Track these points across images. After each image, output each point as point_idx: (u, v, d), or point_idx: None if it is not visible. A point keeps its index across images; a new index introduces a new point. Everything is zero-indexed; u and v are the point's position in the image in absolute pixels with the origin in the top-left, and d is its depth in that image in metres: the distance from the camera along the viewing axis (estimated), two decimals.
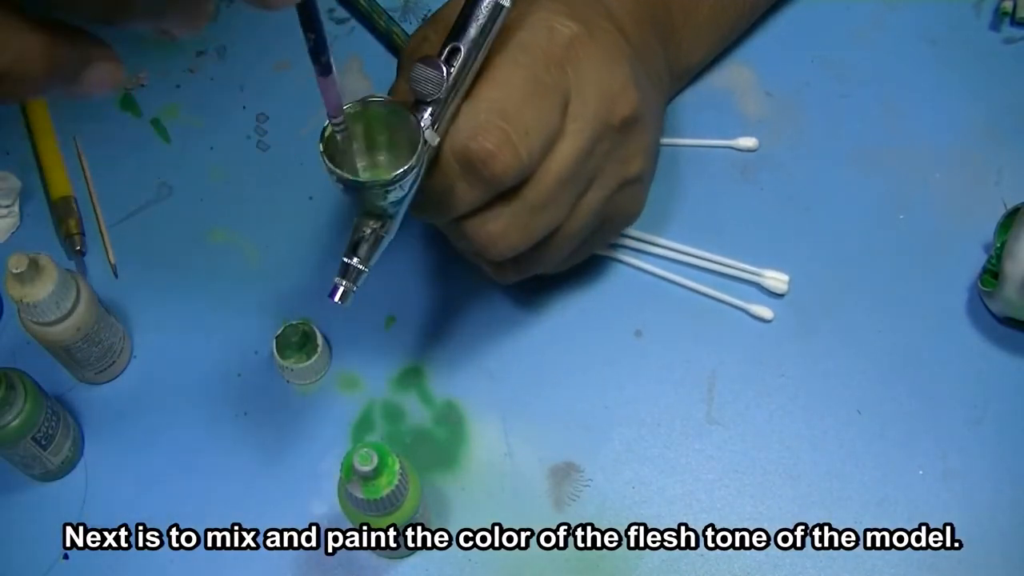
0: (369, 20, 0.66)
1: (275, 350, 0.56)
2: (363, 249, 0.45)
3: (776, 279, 0.58)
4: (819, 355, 0.57)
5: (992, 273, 0.56)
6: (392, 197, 0.44)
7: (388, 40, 0.66)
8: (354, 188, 0.44)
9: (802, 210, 0.61)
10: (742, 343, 0.58)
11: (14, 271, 0.49)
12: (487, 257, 0.49)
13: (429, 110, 0.45)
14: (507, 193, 0.47)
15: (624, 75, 0.49)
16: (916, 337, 0.57)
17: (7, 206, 0.61)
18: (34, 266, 0.50)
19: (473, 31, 0.45)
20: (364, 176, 0.45)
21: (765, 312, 0.58)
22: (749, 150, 0.62)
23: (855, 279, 0.59)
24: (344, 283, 0.45)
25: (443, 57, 0.45)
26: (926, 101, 0.63)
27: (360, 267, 0.46)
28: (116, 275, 0.61)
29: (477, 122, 0.45)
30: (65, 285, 0.51)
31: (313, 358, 0.56)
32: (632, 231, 0.60)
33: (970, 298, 0.58)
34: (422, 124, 0.44)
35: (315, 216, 0.62)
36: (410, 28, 0.66)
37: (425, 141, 0.44)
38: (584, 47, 0.48)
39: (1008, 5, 0.64)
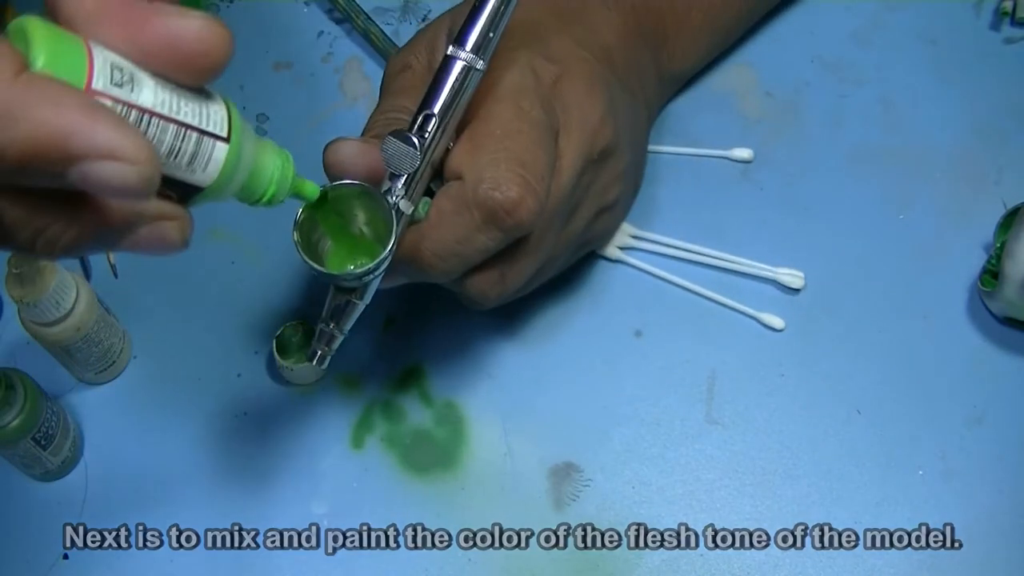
0: (348, 20, 0.66)
1: (275, 350, 0.56)
2: (342, 319, 0.47)
3: (792, 275, 0.58)
4: (819, 355, 0.57)
5: (992, 273, 0.56)
6: (371, 278, 0.45)
7: (367, 39, 0.66)
8: (335, 279, 0.45)
9: (802, 210, 0.61)
10: (742, 343, 0.58)
11: (14, 271, 0.49)
12: (480, 307, 0.51)
13: (403, 179, 0.45)
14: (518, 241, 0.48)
15: (602, 107, 0.50)
16: (916, 337, 0.57)
17: None
18: (34, 266, 0.50)
19: (446, 96, 0.45)
20: (339, 267, 0.46)
21: (776, 321, 0.58)
22: (744, 160, 0.62)
23: (855, 279, 0.59)
24: (322, 347, 0.48)
25: (416, 127, 0.45)
26: (926, 101, 0.63)
27: (336, 333, 0.47)
28: (116, 275, 0.61)
29: (497, 174, 0.45)
30: (65, 285, 0.51)
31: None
32: (639, 231, 0.60)
33: (970, 298, 0.58)
34: (396, 193, 0.45)
35: None
36: (409, 31, 0.66)
37: (397, 223, 0.44)
38: (565, 85, 0.49)
39: (1008, 5, 0.64)
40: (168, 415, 0.57)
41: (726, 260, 0.59)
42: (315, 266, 0.44)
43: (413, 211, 0.46)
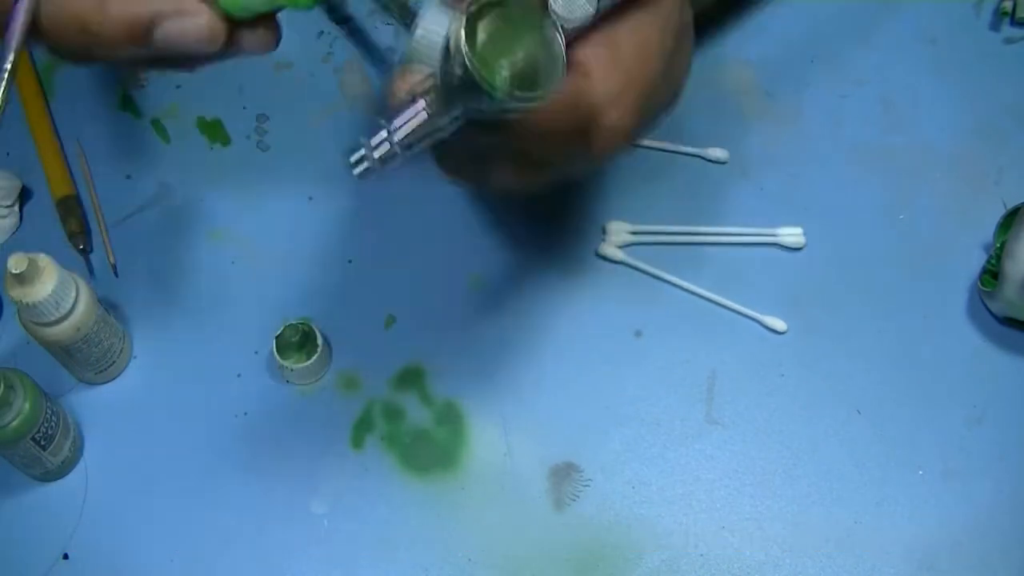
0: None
1: (275, 350, 0.56)
2: (405, 127, 0.39)
3: (792, 234, 0.59)
4: (819, 355, 0.57)
5: (992, 273, 0.56)
6: (505, 106, 0.38)
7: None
8: (483, 94, 0.37)
9: (802, 210, 0.61)
10: (742, 343, 0.58)
11: (14, 271, 0.49)
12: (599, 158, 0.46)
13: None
14: None
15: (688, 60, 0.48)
16: (916, 337, 0.57)
17: (7, 206, 0.62)
18: (34, 266, 0.50)
19: None
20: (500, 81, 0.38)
21: (778, 324, 0.57)
22: (720, 161, 0.62)
23: (855, 279, 0.59)
24: (371, 157, 0.39)
25: None
26: (926, 101, 0.63)
27: (390, 142, 0.39)
28: (116, 275, 0.61)
29: (626, 106, 0.43)
30: (65, 285, 0.51)
31: (313, 358, 0.56)
32: (638, 227, 0.60)
33: (970, 298, 0.58)
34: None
35: (315, 216, 0.62)
36: None
37: (564, 60, 0.38)
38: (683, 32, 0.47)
39: (1008, 5, 0.64)
40: (168, 415, 0.57)
41: (741, 229, 0.59)
42: (492, 76, 0.37)
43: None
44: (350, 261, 0.60)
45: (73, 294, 0.52)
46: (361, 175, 0.40)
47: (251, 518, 0.54)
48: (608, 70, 0.43)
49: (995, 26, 0.65)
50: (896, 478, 0.55)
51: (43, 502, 0.55)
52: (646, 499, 0.55)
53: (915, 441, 0.55)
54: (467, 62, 0.37)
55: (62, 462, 0.55)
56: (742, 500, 0.54)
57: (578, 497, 0.55)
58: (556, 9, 0.40)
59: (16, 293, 0.50)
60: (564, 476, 0.55)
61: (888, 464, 0.55)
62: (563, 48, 0.39)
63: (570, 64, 0.40)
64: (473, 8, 0.37)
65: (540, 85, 0.38)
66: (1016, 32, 0.65)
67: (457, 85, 0.38)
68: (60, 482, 0.56)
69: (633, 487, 0.55)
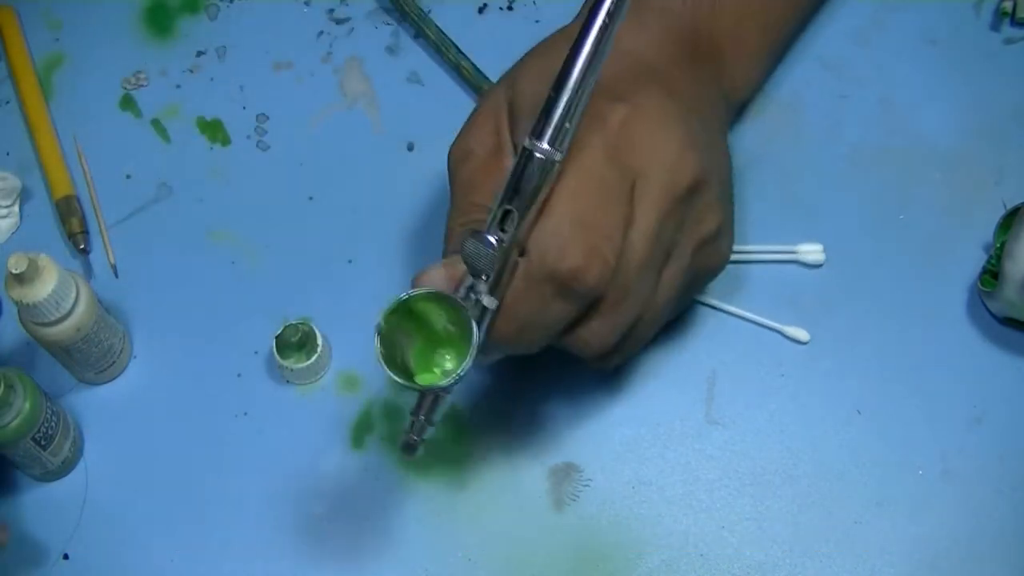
0: (438, 52, 0.64)
1: (275, 350, 0.56)
2: (430, 411, 0.47)
3: (813, 251, 0.59)
4: (819, 355, 0.57)
5: (992, 273, 0.56)
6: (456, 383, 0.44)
7: (458, 73, 0.64)
8: (423, 392, 0.46)
9: (801, 210, 0.61)
10: (742, 343, 0.58)
11: (14, 271, 0.49)
12: (586, 359, 0.49)
13: (484, 277, 0.44)
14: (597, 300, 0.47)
15: (679, 140, 0.47)
16: (916, 337, 0.57)
17: (7, 206, 0.62)
18: (34, 266, 0.50)
19: (527, 190, 0.44)
20: (424, 367, 0.45)
21: (801, 334, 0.57)
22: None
23: (855, 279, 0.59)
24: (411, 439, 0.47)
25: (496, 222, 0.44)
26: (926, 101, 0.63)
27: (427, 425, 0.47)
28: (116, 275, 0.61)
29: (561, 241, 0.44)
30: (65, 285, 0.51)
31: (313, 358, 0.56)
32: None
33: (970, 298, 0.58)
34: (478, 291, 0.44)
35: (315, 216, 0.62)
36: (408, 31, 0.66)
37: (479, 324, 0.44)
38: (635, 125, 0.47)
39: (1008, 5, 0.64)
40: (168, 415, 0.57)
41: (760, 246, 0.59)
42: (404, 381, 0.43)
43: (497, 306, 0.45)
44: (350, 261, 0.60)
45: (73, 294, 0.52)
46: (413, 453, 0.47)
47: (251, 518, 0.54)
48: (536, 231, 0.45)
49: (995, 26, 0.65)
50: (896, 478, 0.54)
51: (43, 502, 0.55)
52: (646, 499, 0.55)
53: (915, 441, 0.55)
54: (384, 370, 0.43)
55: (62, 462, 0.55)
56: (742, 500, 0.54)
57: (578, 497, 0.55)
58: (467, 261, 0.44)
59: (16, 293, 0.50)
60: (564, 476, 0.55)
61: (888, 464, 0.55)
62: (471, 320, 0.43)
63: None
64: (384, 325, 0.43)
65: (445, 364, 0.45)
66: (1016, 32, 0.65)
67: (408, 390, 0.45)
68: (60, 482, 0.56)
69: (633, 487, 0.55)
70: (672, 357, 0.57)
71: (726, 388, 0.57)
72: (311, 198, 0.62)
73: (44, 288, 0.50)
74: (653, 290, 0.48)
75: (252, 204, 0.62)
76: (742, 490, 0.55)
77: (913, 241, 0.60)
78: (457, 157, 0.49)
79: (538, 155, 0.43)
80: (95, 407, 0.57)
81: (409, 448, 0.47)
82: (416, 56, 0.65)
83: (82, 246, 0.60)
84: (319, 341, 0.56)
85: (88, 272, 0.61)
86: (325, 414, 0.57)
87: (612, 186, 0.45)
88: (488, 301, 0.44)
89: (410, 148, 0.63)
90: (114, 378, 0.58)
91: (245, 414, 0.57)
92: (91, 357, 0.55)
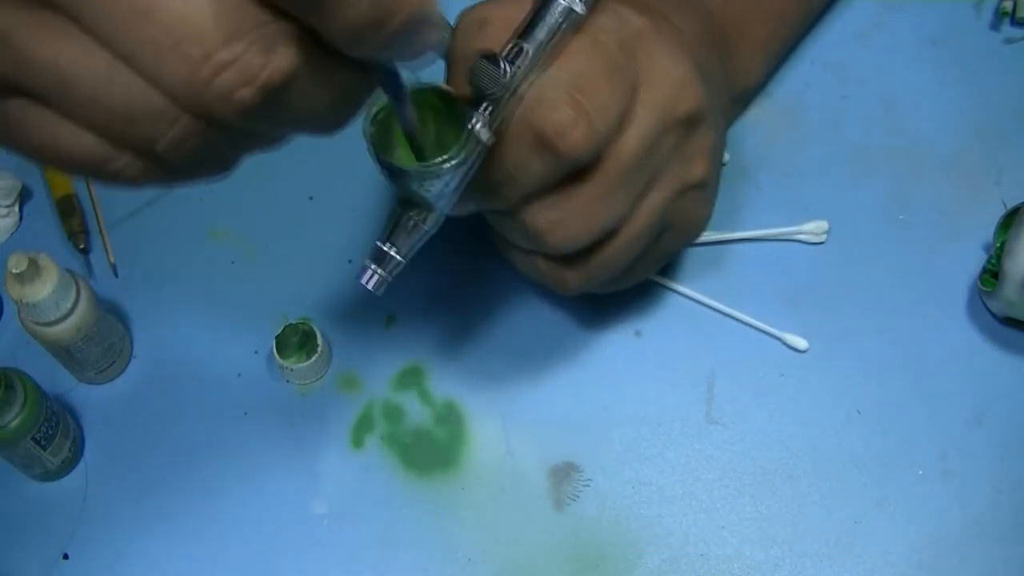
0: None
1: (275, 350, 0.56)
2: (401, 238, 0.44)
3: (816, 229, 0.59)
4: (819, 355, 0.57)
5: (992, 273, 0.56)
6: (433, 188, 0.43)
7: None
8: (394, 175, 0.42)
9: (801, 210, 0.61)
10: (742, 343, 0.58)
11: (14, 271, 0.49)
12: (544, 247, 0.47)
13: (486, 105, 0.43)
14: (570, 179, 0.46)
15: (689, 70, 0.48)
16: (916, 337, 0.57)
17: (7, 206, 0.62)
18: (34, 266, 0.50)
19: (542, 34, 0.43)
20: (406, 163, 0.43)
21: (800, 342, 0.57)
22: None
23: (855, 279, 0.59)
24: (378, 271, 0.44)
25: (506, 54, 0.43)
26: (926, 101, 0.63)
27: (397, 257, 0.44)
28: (116, 275, 0.61)
29: (553, 95, 0.44)
30: (65, 285, 0.51)
31: (313, 358, 0.56)
32: None
33: (970, 298, 0.58)
34: (476, 118, 0.43)
35: (315, 216, 0.62)
36: None
37: (473, 136, 0.42)
38: (652, 38, 0.47)
39: (1008, 5, 0.64)
40: (168, 415, 0.57)
41: (760, 230, 0.59)
42: (384, 158, 0.42)
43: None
44: (350, 261, 0.60)
45: (73, 294, 0.52)
46: (377, 287, 0.44)
47: (251, 518, 0.54)
48: (545, 88, 0.44)
49: (995, 26, 0.65)
50: (896, 478, 0.55)
51: (43, 502, 0.55)
52: (646, 499, 0.55)
53: (915, 441, 0.55)
54: (368, 150, 0.42)
55: (62, 462, 0.55)
56: (742, 500, 0.54)
57: (578, 497, 0.55)
58: (474, 80, 0.43)
59: (16, 293, 0.50)
60: (564, 476, 0.55)
61: (888, 464, 0.55)
62: (471, 125, 0.42)
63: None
64: (374, 109, 0.42)
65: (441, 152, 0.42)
66: (1016, 32, 0.65)
67: (387, 177, 0.43)
68: (60, 482, 0.56)
69: (633, 487, 0.55)
70: (672, 357, 0.57)
71: (726, 388, 0.57)
72: (311, 198, 0.62)
73: (44, 288, 0.50)
74: (631, 207, 0.48)
75: (252, 204, 0.62)
76: (742, 490, 0.55)
77: (913, 241, 0.60)
78: (469, 23, 0.47)
79: (561, 2, 0.43)
80: (95, 407, 0.57)
81: (378, 284, 0.44)
82: None
83: (82, 246, 0.60)
84: (319, 341, 0.56)
85: (88, 272, 0.61)
86: (325, 414, 0.57)
87: (618, 69, 0.45)
88: (483, 133, 0.43)
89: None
90: (114, 378, 0.58)
91: (245, 414, 0.57)
92: (91, 357, 0.55)
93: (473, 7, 0.48)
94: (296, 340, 0.56)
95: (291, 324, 0.56)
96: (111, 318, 0.56)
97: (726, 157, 0.61)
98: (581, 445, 0.56)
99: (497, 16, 0.46)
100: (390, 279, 0.44)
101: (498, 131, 0.44)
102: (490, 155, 0.44)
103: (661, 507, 0.54)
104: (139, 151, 0.28)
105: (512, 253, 0.51)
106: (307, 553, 0.54)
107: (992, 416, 0.56)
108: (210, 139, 0.28)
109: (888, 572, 0.53)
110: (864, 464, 0.55)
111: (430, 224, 0.44)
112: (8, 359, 0.58)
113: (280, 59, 0.27)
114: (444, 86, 0.43)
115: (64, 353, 0.54)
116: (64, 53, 0.27)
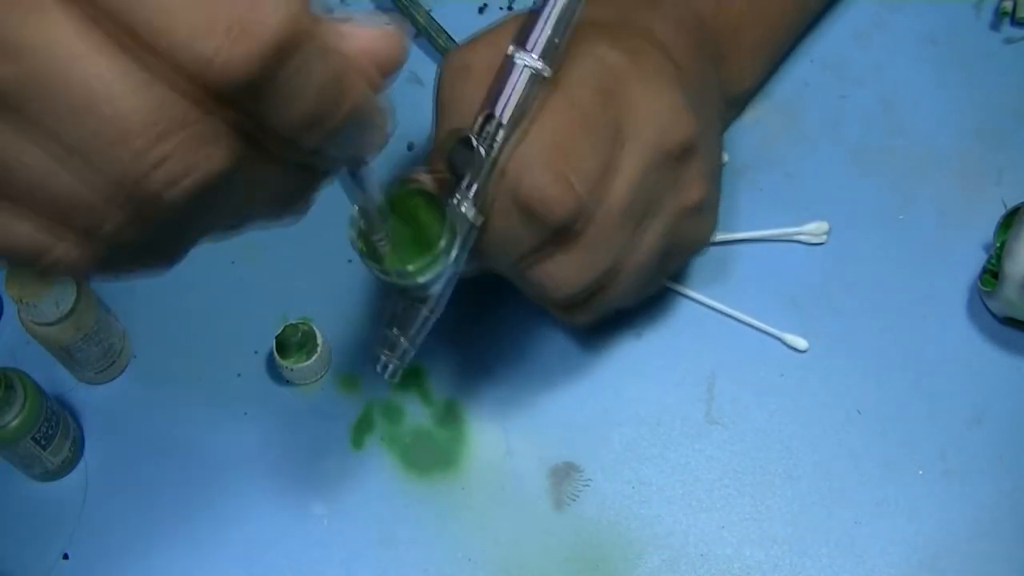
0: (439, 51, 0.64)
1: (275, 350, 0.56)
2: (406, 327, 0.45)
3: (816, 230, 0.59)
4: (819, 355, 0.57)
5: (992, 273, 0.56)
6: (431, 288, 0.44)
7: (428, 37, 0.64)
8: (388, 285, 0.44)
9: (801, 210, 0.61)
10: (742, 343, 0.58)
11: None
12: (549, 299, 0.48)
13: (467, 183, 0.44)
14: (565, 232, 0.46)
15: (675, 100, 0.47)
16: (916, 337, 0.57)
17: None
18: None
19: (514, 101, 0.43)
20: (397, 267, 0.44)
21: (799, 342, 0.57)
22: None
23: (855, 279, 0.59)
24: (393, 359, 0.45)
25: (480, 128, 0.43)
26: (926, 101, 0.63)
27: (406, 345, 0.45)
28: None
29: (532, 163, 0.44)
30: (65, 285, 0.51)
31: (313, 358, 0.56)
32: None
33: (970, 298, 0.58)
34: (460, 196, 0.43)
35: (315, 216, 0.61)
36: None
37: (461, 220, 0.43)
38: (631, 74, 0.47)
39: (1008, 5, 0.64)
40: (168, 415, 0.57)
41: (762, 231, 0.59)
42: (381, 272, 0.42)
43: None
44: (350, 261, 0.60)
45: (73, 294, 0.52)
46: (392, 376, 0.46)
47: (251, 518, 0.54)
48: (524, 155, 0.44)
49: (995, 26, 0.65)
50: (896, 478, 0.55)
51: (43, 502, 0.55)
52: (646, 499, 0.55)
53: (915, 441, 0.55)
54: (358, 254, 0.43)
55: (62, 462, 0.55)
56: (742, 500, 0.54)
57: (578, 497, 0.55)
58: (453, 165, 0.44)
59: (16, 293, 0.50)
60: (564, 476, 0.55)
61: (888, 464, 0.55)
62: (452, 218, 0.43)
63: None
64: (356, 212, 0.43)
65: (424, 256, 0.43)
66: (1016, 32, 0.65)
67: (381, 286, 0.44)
68: (60, 482, 0.56)
69: (633, 487, 0.55)
70: (672, 357, 0.57)
71: (726, 388, 0.57)
72: None
73: (44, 288, 0.50)
74: (630, 244, 0.48)
75: None
76: (742, 490, 0.55)
77: (913, 241, 0.60)
78: (453, 70, 0.48)
79: (519, 62, 0.43)
80: (95, 407, 0.57)
81: (384, 368, 0.45)
82: (416, 56, 0.65)
83: None
84: (319, 341, 0.56)
85: None
86: (325, 414, 0.57)
87: (597, 122, 0.45)
88: (470, 213, 0.43)
89: (410, 148, 0.63)
90: (114, 378, 0.58)
91: (245, 414, 0.57)
92: (91, 357, 0.55)
93: (457, 50, 0.48)
94: (296, 340, 0.56)
95: (291, 324, 0.56)
96: (111, 318, 0.56)
97: (725, 157, 0.61)
98: (581, 445, 0.56)
99: (478, 62, 0.46)
100: (404, 366, 0.46)
101: (484, 207, 0.44)
102: (481, 227, 0.45)
103: (661, 507, 0.54)
104: (78, 239, 0.28)
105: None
106: (307, 553, 0.54)
107: (992, 416, 0.56)
108: (149, 232, 0.28)
109: (888, 572, 0.53)
110: (864, 464, 0.55)
111: (431, 307, 0.45)
112: (8, 359, 0.58)
113: (213, 157, 0.27)
114: (422, 180, 0.43)
115: (64, 353, 0.54)
116: (7, 144, 0.26)
